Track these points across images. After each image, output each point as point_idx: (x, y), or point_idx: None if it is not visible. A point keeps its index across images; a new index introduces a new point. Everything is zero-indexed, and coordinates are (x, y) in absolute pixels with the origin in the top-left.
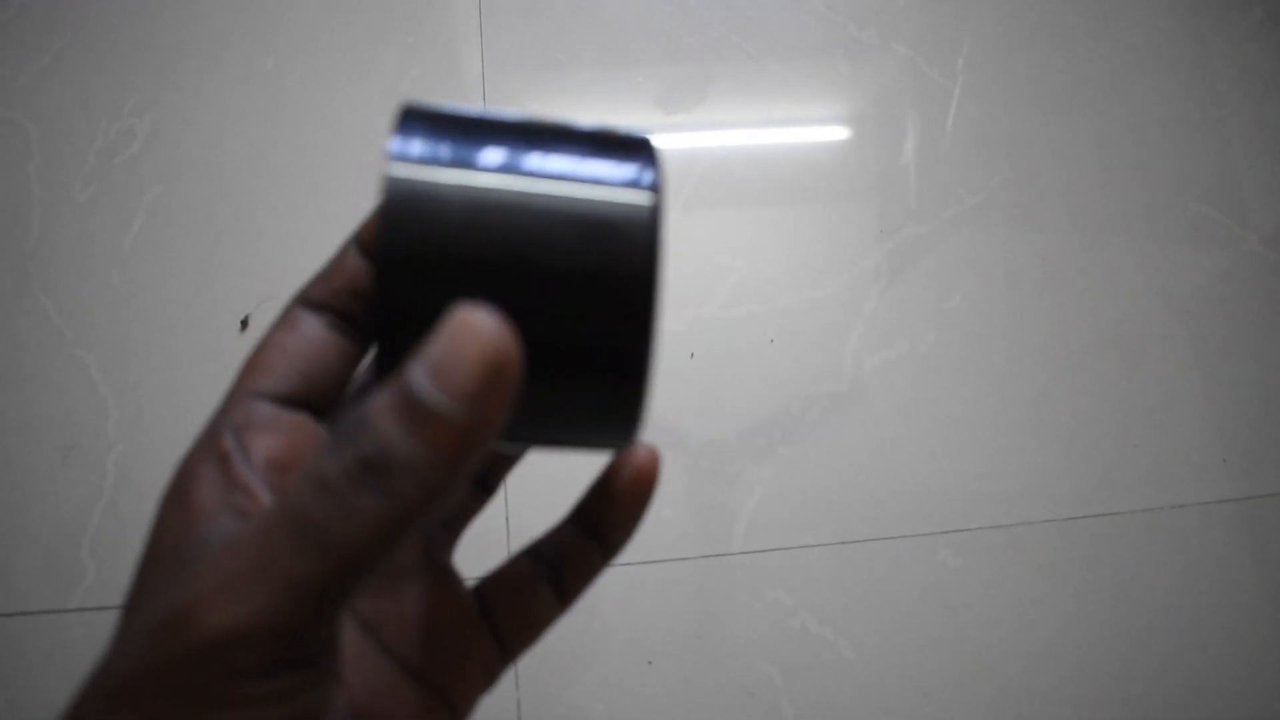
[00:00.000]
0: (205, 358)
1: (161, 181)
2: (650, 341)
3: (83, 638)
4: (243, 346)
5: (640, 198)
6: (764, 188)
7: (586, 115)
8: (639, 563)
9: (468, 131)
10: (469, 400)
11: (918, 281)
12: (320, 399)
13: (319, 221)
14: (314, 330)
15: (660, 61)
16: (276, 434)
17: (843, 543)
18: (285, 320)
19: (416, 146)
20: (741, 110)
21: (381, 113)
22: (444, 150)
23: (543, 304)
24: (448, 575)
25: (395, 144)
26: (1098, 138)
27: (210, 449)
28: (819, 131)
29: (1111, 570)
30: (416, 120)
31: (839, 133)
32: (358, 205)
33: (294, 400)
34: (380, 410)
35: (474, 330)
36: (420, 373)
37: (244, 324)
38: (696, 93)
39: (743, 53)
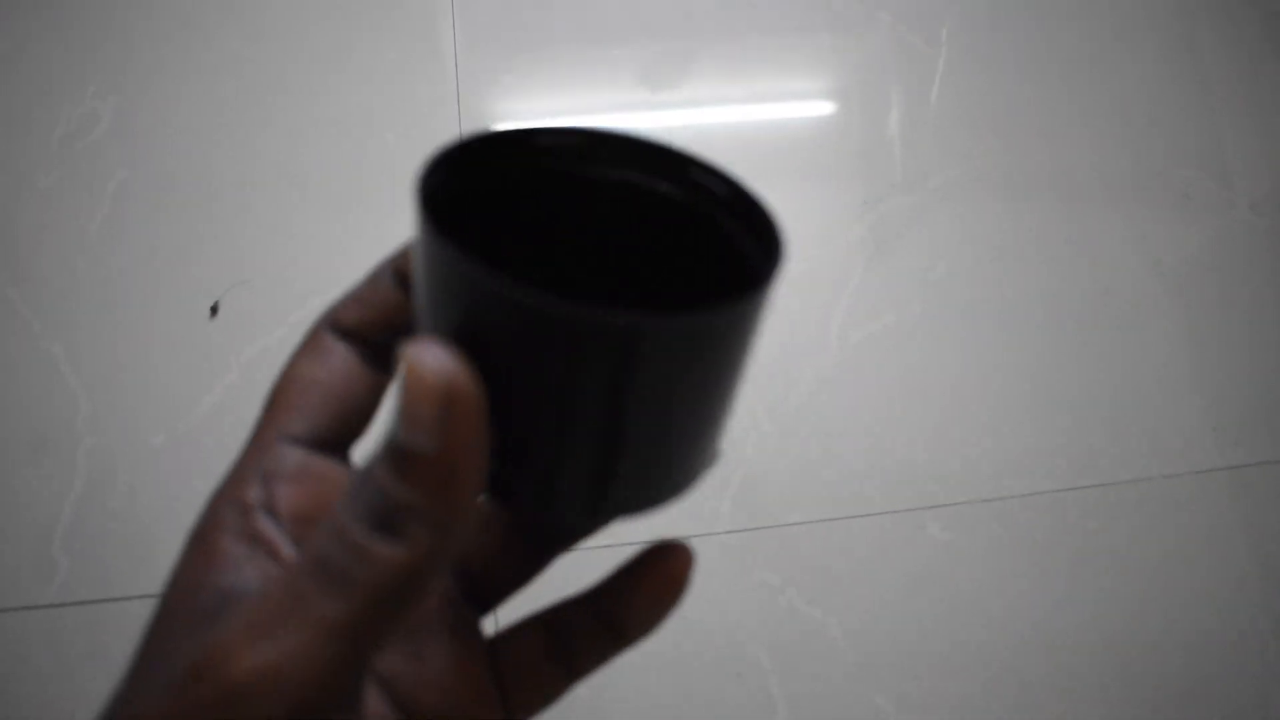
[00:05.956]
0: (176, 346)
1: (127, 166)
2: None
3: (56, 634)
4: (213, 333)
5: None
6: (745, 162)
7: (565, 97)
8: (622, 544)
9: None
10: (434, 434)
11: (903, 253)
12: (351, 436)
13: (289, 205)
14: (345, 362)
15: (638, 38)
16: (303, 485)
17: (830, 520)
18: (312, 347)
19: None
20: (721, 86)
21: (355, 95)
22: None
23: None
24: (471, 638)
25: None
26: (1084, 105)
27: (235, 495)
28: (800, 104)
29: (1102, 542)
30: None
31: (820, 105)
32: (328, 187)
33: (324, 441)
34: (377, 462)
35: (421, 367)
36: (397, 422)
37: (214, 310)
38: (680, 69)
39: (723, 27)
